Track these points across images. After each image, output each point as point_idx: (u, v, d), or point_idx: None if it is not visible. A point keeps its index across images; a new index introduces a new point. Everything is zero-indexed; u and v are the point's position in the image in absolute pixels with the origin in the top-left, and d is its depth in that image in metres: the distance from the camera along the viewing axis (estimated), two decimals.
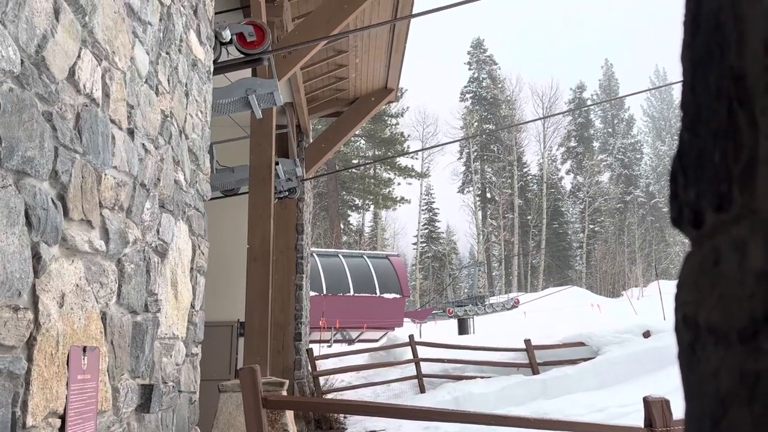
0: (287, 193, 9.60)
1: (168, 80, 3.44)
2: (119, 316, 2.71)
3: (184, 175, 3.77)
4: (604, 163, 60.49)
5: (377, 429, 9.11)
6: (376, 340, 19.06)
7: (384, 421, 8.97)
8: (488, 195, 56.50)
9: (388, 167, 46.89)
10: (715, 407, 0.35)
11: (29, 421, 1.91)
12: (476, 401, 10.05)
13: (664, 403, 3.80)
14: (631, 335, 11.98)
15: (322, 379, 11.32)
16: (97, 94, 2.48)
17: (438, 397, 10.47)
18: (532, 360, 11.54)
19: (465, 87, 58.59)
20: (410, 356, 11.84)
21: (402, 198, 47.47)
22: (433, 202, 56.30)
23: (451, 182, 57.94)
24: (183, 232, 3.71)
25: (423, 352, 12.01)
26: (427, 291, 51.36)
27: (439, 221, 56.74)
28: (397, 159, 46.35)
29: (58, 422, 2.12)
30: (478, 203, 55.90)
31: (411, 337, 12.13)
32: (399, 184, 48.22)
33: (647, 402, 3.85)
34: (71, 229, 2.24)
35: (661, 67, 72.93)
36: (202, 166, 4.23)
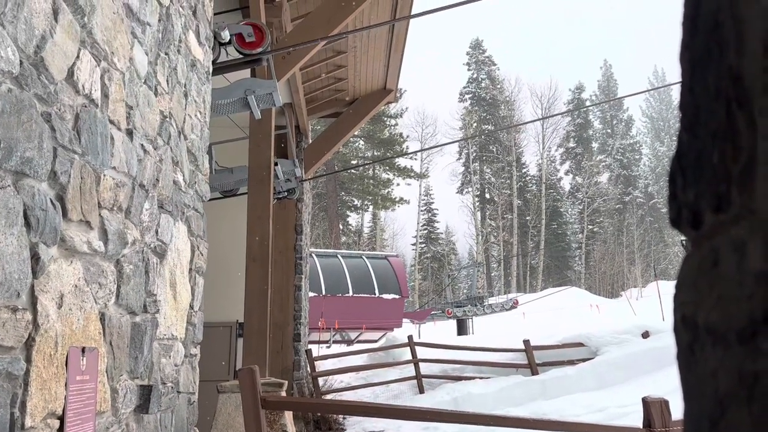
0: (286, 193, 9.61)
1: (167, 81, 3.44)
2: (118, 317, 2.71)
3: (183, 176, 3.77)
4: (603, 163, 60.55)
5: (376, 430, 9.10)
6: (375, 341, 19.06)
7: (383, 422, 8.96)
8: (487, 195, 56.53)
9: (387, 168, 46.89)
10: (713, 408, 0.35)
11: (28, 422, 1.91)
12: (475, 402, 10.05)
13: (663, 404, 3.81)
14: (630, 336, 11.99)
15: (321, 380, 11.31)
16: (96, 94, 2.48)
17: (437, 398, 10.47)
18: (531, 360, 11.54)
19: (464, 88, 58.65)
20: (409, 357, 11.84)
21: (401, 199, 47.48)
22: (432, 202, 56.33)
23: (450, 183, 58.01)
24: (182, 233, 3.71)
25: (422, 352, 12.01)
26: (426, 292, 51.36)
27: (438, 222, 56.77)
28: (396, 160, 46.36)
29: (56, 423, 2.12)
30: (477, 204, 55.92)
31: (410, 337, 12.13)
32: (398, 184, 48.25)
33: (646, 402, 3.85)
34: (70, 230, 2.23)
35: (660, 68, 73.02)
36: (201, 166, 4.22)
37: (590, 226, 56.86)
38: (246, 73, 6.59)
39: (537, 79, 71.37)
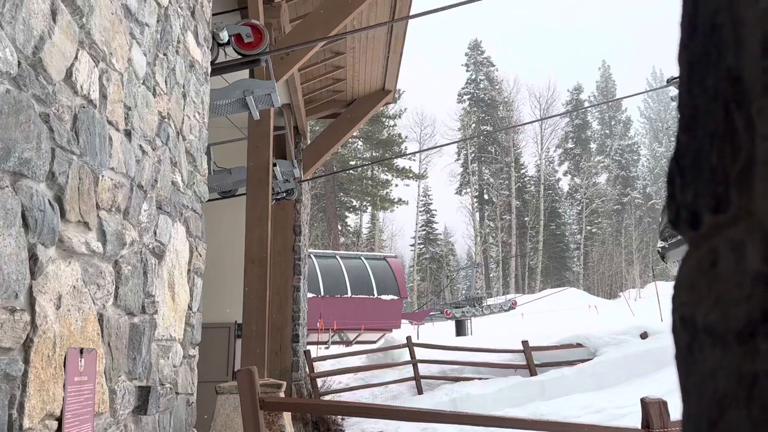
0: (285, 194, 9.60)
1: (165, 82, 3.44)
2: (116, 318, 2.71)
3: (182, 177, 3.76)
4: (602, 164, 60.59)
5: (375, 430, 9.10)
6: (374, 342, 19.05)
7: (382, 423, 8.96)
8: (486, 196, 56.56)
9: (386, 169, 46.90)
10: (712, 408, 0.35)
11: (26, 423, 1.90)
12: (474, 403, 10.05)
13: (662, 404, 3.81)
14: (628, 336, 11.99)
15: (319, 381, 11.30)
16: (95, 95, 2.48)
17: (435, 399, 10.47)
18: (530, 361, 11.54)
19: (462, 88, 58.70)
20: (408, 358, 11.84)
21: (399, 199, 47.49)
22: (431, 203, 56.36)
23: (449, 184, 58.02)
24: (180, 234, 3.71)
25: (421, 353, 12.00)
26: (424, 292, 51.37)
27: (436, 223, 56.79)
28: (395, 160, 46.37)
29: (54, 424, 2.11)
30: (476, 204, 55.95)
31: (409, 338, 12.12)
32: (396, 185, 48.26)
33: (645, 403, 3.85)
34: (68, 231, 2.23)
35: (659, 69, 73.06)
36: (200, 167, 4.22)
37: (589, 227, 56.91)
38: (244, 73, 6.59)
39: (535, 80, 71.63)
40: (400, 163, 47.73)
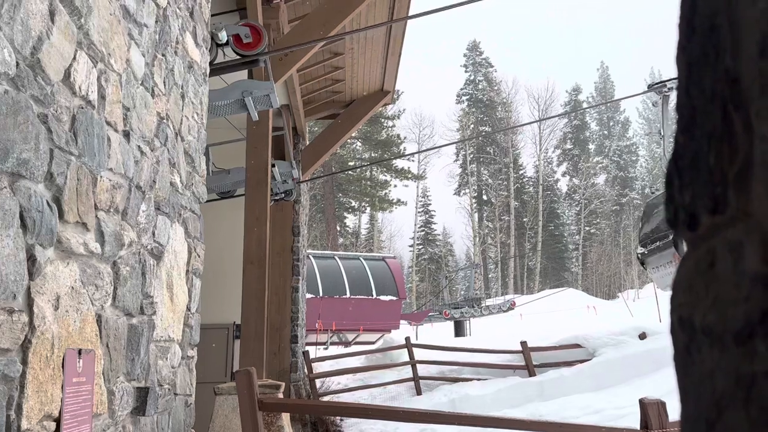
0: (283, 195, 9.60)
1: (164, 82, 3.44)
2: (114, 319, 2.70)
3: (180, 178, 3.76)
4: (600, 165, 60.64)
5: (373, 431, 9.09)
6: (373, 343, 19.04)
7: (380, 424, 8.95)
8: (484, 197, 56.58)
9: (385, 169, 46.90)
10: (710, 409, 0.35)
11: (24, 425, 1.90)
12: (473, 403, 10.05)
13: (660, 405, 3.81)
14: (627, 337, 12.00)
15: (318, 382, 11.30)
16: (93, 96, 2.48)
17: (434, 400, 10.47)
18: (529, 362, 11.55)
19: (461, 89, 58.75)
20: (407, 358, 11.84)
21: (398, 200, 47.49)
22: (430, 204, 56.37)
23: (448, 184, 58.04)
24: (179, 235, 3.71)
25: (419, 354, 12.00)
26: (423, 293, 51.38)
27: (435, 223, 56.81)
28: (394, 161, 46.38)
29: (53, 425, 2.11)
30: (475, 205, 55.97)
31: (407, 339, 12.12)
32: (395, 186, 48.27)
33: (643, 404, 3.85)
34: (66, 232, 2.23)
35: (657, 70, 73.12)
36: (198, 168, 4.22)
37: (587, 228, 56.95)
38: (243, 74, 6.59)
39: (534, 81, 71.70)
40: (399, 163, 47.76)
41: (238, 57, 5.76)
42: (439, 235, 57.37)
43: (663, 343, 10.85)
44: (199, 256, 4.15)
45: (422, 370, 11.80)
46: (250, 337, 6.55)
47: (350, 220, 51.96)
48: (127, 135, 2.86)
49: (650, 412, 3.78)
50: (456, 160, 57.38)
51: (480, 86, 58.11)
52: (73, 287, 2.28)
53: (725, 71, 0.35)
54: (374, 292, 20.33)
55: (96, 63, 2.51)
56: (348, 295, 20.02)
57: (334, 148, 11.76)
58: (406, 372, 11.81)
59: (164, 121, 3.44)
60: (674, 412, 3.63)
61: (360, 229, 53.07)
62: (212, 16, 5.31)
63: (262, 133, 7.16)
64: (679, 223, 0.40)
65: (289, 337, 10.25)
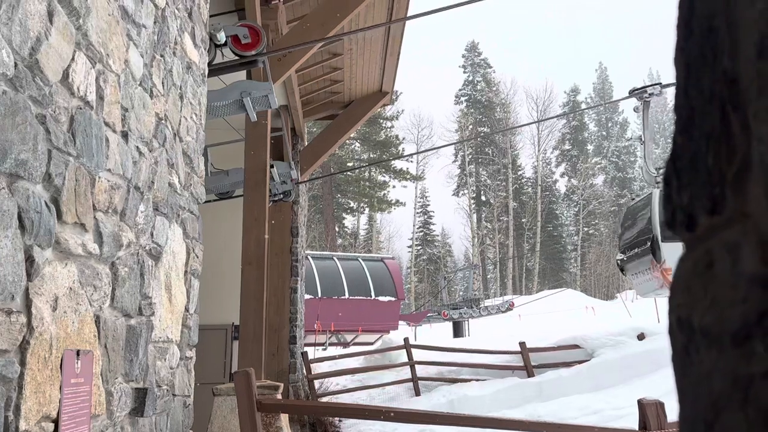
0: (282, 196, 9.59)
1: (162, 83, 3.44)
2: (113, 320, 2.70)
3: (179, 178, 3.76)
4: (599, 166, 60.69)
5: None
6: (372, 343, 19.03)
7: (379, 424, 8.95)
8: (483, 198, 56.60)
9: (383, 170, 46.90)
10: (708, 410, 0.35)
11: (22, 425, 1.90)
12: (471, 404, 10.05)
13: (659, 406, 3.81)
14: (625, 338, 12.00)
15: (317, 383, 11.29)
16: (91, 96, 2.48)
17: (433, 400, 10.47)
18: (527, 363, 11.55)
19: (460, 90, 58.76)
20: (405, 359, 11.83)
21: (397, 201, 47.49)
22: (428, 204, 56.37)
23: (446, 185, 58.04)
24: (177, 235, 3.70)
25: (418, 355, 12.00)
26: (422, 294, 51.38)
27: (434, 224, 56.82)
28: (392, 162, 46.38)
29: (51, 426, 2.11)
30: (473, 206, 55.98)
31: (406, 340, 12.12)
32: (394, 186, 48.26)
33: (642, 404, 3.86)
34: (65, 232, 2.23)
35: (655, 71, 73.23)
36: (197, 168, 4.22)
37: (586, 228, 56.97)
38: (242, 75, 6.59)
39: (532, 81, 71.58)
40: (398, 164, 47.76)
41: (236, 57, 5.76)
42: (437, 235, 57.38)
43: (661, 344, 10.86)
44: (197, 257, 4.15)
45: (421, 370, 11.80)
46: (249, 338, 6.55)
47: (349, 220, 51.96)
48: (125, 136, 2.86)
49: (649, 412, 3.79)
50: (455, 161, 57.41)
51: (478, 87, 58.14)
52: (71, 288, 2.28)
53: (723, 72, 0.35)
54: (373, 293, 20.33)
55: (94, 64, 2.51)
56: (347, 295, 20.02)
57: (332, 149, 11.76)
58: (405, 373, 11.81)
59: (163, 121, 3.44)
60: (672, 412, 3.64)
61: (359, 230, 53.07)
62: (211, 16, 5.31)
63: (261, 133, 7.16)
64: (677, 223, 0.40)
65: (288, 337, 10.24)
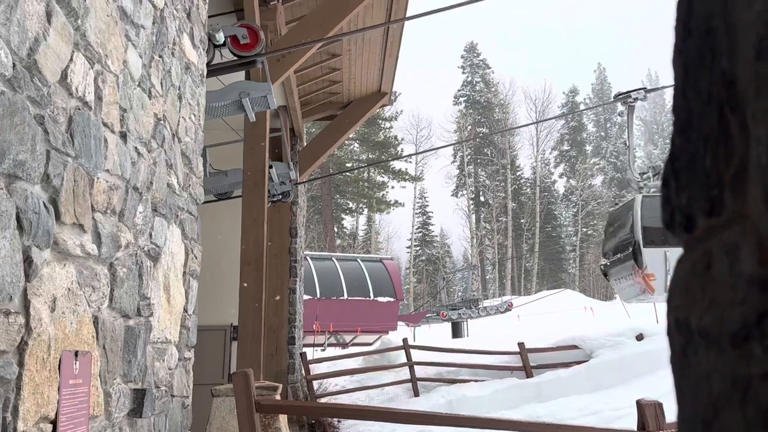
0: (281, 196, 9.59)
1: (161, 83, 3.43)
2: (111, 321, 2.70)
3: (177, 179, 3.76)
4: (597, 166, 60.73)
5: None
6: (370, 344, 19.02)
7: (378, 425, 8.94)
8: (482, 198, 56.62)
9: (382, 171, 46.91)
10: (707, 411, 0.35)
11: (20, 427, 1.89)
12: (470, 405, 10.05)
13: (657, 406, 3.82)
14: (624, 338, 12.00)
15: (315, 383, 11.28)
16: (90, 97, 2.47)
17: (432, 401, 10.47)
18: (526, 363, 11.55)
19: (458, 91, 58.77)
20: (404, 360, 11.83)
21: (396, 201, 47.50)
22: (427, 205, 56.37)
23: (445, 185, 58.04)
24: (176, 236, 3.70)
25: (417, 355, 12.00)
26: (420, 294, 51.38)
27: (432, 224, 56.81)
28: (391, 162, 46.40)
29: (49, 427, 2.10)
30: (472, 206, 55.99)
31: (405, 340, 12.11)
32: (393, 187, 48.28)
33: (640, 405, 3.86)
34: (63, 233, 2.22)
35: (654, 72, 73.33)
36: (195, 169, 4.21)
37: (584, 229, 57.00)
38: (240, 75, 6.58)
39: (531, 82, 71.57)
40: (397, 165, 47.78)
41: (235, 58, 5.76)
42: (436, 236, 57.38)
43: (660, 345, 10.87)
44: (196, 258, 4.15)
45: (420, 371, 11.79)
46: (248, 338, 6.55)
47: (348, 221, 51.95)
48: (124, 136, 2.86)
49: (647, 413, 3.79)
50: (453, 162, 57.41)
51: (477, 88, 58.17)
52: (69, 289, 2.27)
53: (721, 73, 0.35)
54: (372, 294, 20.34)
55: (93, 64, 2.51)
56: (345, 296, 20.02)
57: (331, 150, 11.76)
58: (404, 373, 11.81)
59: (161, 122, 3.43)
60: (671, 413, 3.64)
61: (357, 231, 53.07)
62: (209, 17, 5.31)
63: (260, 134, 7.15)
64: (675, 225, 0.40)
65: (287, 338, 10.23)
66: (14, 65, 1.90)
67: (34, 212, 1.98)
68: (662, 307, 14.80)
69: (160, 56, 3.42)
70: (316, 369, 12.17)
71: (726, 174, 0.34)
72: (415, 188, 54.51)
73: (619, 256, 10.62)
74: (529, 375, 11.42)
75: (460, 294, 46.32)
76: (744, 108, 0.33)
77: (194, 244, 4.11)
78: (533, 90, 77.87)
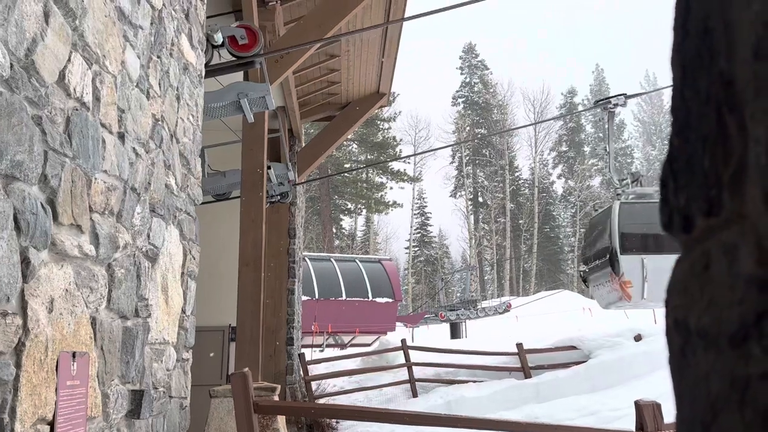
0: (279, 197, 9.58)
1: (159, 84, 3.43)
2: (109, 322, 2.69)
3: (175, 180, 3.75)
4: (595, 167, 60.79)
5: None
6: (369, 345, 19.02)
7: (376, 426, 8.94)
8: (480, 199, 56.65)
9: (381, 171, 46.91)
10: (705, 411, 0.35)
11: (18, 428, 1.89)
12: (468, 405, 10.05)
13: (656, 407, 3.82)
14: (622, 339, 12.02)
15: (314, 384, 11.28)
16: (88, 97, 2.47)
17: (430, 402, 10.47)
18: (524, 364, 11.56)
19: (457, 91, 58.80)
20: (402, 360, 11.83)
21: (394, 202, 47.51)
22: (426, 206, 56.39)
23: (444, 186, 58.06)
24: (174, 237, 3.70)
25: (415, 356, 12.00)
26: (419, 295, 51.39)
27: (431, 225, 56.83)
28: (390, 163, 46.40)
29: (47, 429, 2.10)
30: (470, 207, 56.02)
31: (403, 341, 12.12)
32: (391, 188, 48.28)
33: (639, 405, 3.86)
34: (61, 234, 2.22)
35: (652, 72, 73.42)
36: (194, 170, 4.21)
37: (583, 230, 57.00)
38: (239, 76, 6.58)
39: (530, 83, 71.60)
40: (395, 166, 47.77)
41: (233, 59, 5.76)
42: (435, 237, 57.40)
43: (658, 345, 10.88)
44: (194, 259, 4.14)
45: (418, 372, 11.80)
46: (246, 339, 6.54)
47: (346, 222, 51.94)
48: (122, 137, 2.86)
49: (646, 413, 3.79)
50: (452, 163, 57.44)
51: (476, 88, 58.21)
52: (67, 290, 2.27)
53: (720, 73, 0.35)
54: (370, 295, 20.34)
55: (91, 65, 2.51)
56: (344, 297, 20.01)
57: (329, 150, 11.76)
58: (402, 374, 11.81)
59: (159, 122, 3.43)
60: (670, 413, 3.64)
61: (356, 232, 53.06)
62: (208, 17, 5.30)
63: (258, 135, 7.15)
64: (674, 225, 0.40)
65: (285, 339, 10.23)
66: (12, 65, 1.90)
67: (31, 213, 1.98)
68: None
69: (159, 57, 3.42)
70: (314, 370, 12.17)
71: (724, 174, 0.34)
72: (413, 189, 54.55)
73: (597, 262, 10.66)
74: (527, 376, 11.43)
75: (458, 295, 46.34)
76: (742, 108, 0.33)
77: (192, 244, 4.10)
78: (532, 91, 77.98)
